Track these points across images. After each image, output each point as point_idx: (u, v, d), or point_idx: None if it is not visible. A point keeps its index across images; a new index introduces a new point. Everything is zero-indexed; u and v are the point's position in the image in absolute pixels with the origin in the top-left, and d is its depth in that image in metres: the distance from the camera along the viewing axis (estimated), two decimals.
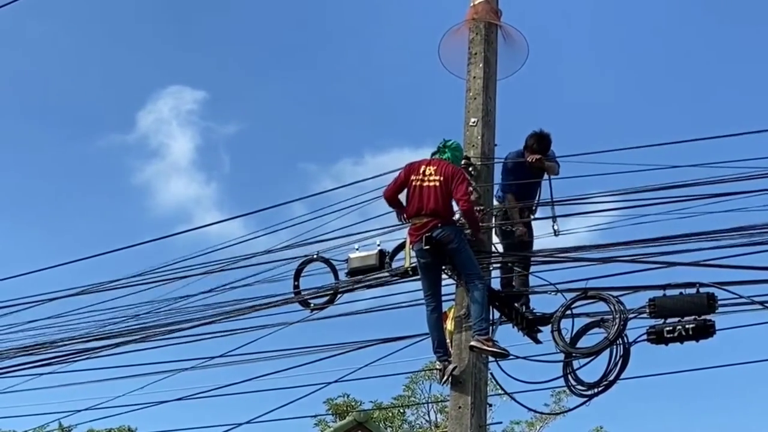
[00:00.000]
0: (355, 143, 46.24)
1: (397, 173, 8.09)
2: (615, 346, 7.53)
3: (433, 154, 8.08)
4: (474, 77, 8.52)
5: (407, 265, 8.03)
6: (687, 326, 7.15)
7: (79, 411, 10.23)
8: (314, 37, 45.54)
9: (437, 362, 7.82)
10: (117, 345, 9.37)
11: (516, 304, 8.22)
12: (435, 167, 7.90)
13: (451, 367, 7.70)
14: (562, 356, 7.79)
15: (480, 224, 7.96)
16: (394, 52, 43.31)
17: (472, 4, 8.74)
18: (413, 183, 7.92)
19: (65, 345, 9.58)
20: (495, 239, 8.41)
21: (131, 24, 46.11)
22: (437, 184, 7.79)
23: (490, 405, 8.04)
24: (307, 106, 45.67)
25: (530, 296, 8.33)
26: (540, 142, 8.61)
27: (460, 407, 7.69)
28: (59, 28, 44.28)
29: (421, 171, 7.93)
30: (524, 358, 7.92)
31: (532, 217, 8.62)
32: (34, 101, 45.22)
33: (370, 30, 43.81)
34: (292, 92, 46.22)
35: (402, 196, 8.07)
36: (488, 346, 7.60)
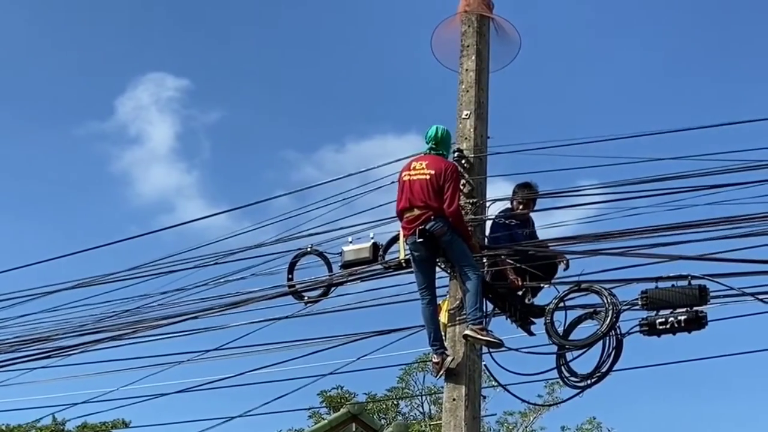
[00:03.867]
0: (337, 130, 45.96)
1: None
2: (608, 338, 7.56)
3: (426, 151, 8.06)
4: (466, 70, 8.53)
5: (401, 257, 8.05)
6: (679, 317, 7.19)
7: (74, 405, 10.26)
8: (298, 23, 45.33)
9: (434, 355, 7.82)
10: (111, 339, 9.38)
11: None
12: (427, 162, 7.89)
13: (448, 360, 7.72)
14: (555, 348, 7.83)
15: (469, 229, 7.88)
16: (377, 38, 43.21)
17: None
18: (404, 179, 7.92)
19: (59, 339, 9.58)
20: (487, 231, 8.43)
21: (112, 9, 45.66)
22: (428, 177, 7.77)
23: (484, 397, 8.07)
24: (289, 93, 45.45)
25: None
26: (528, 191, 8.56)
27: (454, 399, 7.71)
28: (35, 12, 43.86)
29: (412, 167, 7.94)
30: (518, 349, 7.96)
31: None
32: (8, 89, 44.77)
33: (354, 17, 43.69)
34: (274, 79, 45.95)
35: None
36: (482, 335, 7.62)
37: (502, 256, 8.20)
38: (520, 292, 8.26)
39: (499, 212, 8.51)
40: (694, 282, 7.21)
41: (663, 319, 7.21)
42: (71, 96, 46.20)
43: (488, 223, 8.39)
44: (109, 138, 46.17)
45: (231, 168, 45.51)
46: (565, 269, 8.19)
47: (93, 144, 44.84)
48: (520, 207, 8.56)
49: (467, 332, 7.64)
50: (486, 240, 8.32)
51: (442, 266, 8.04)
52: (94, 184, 43.67)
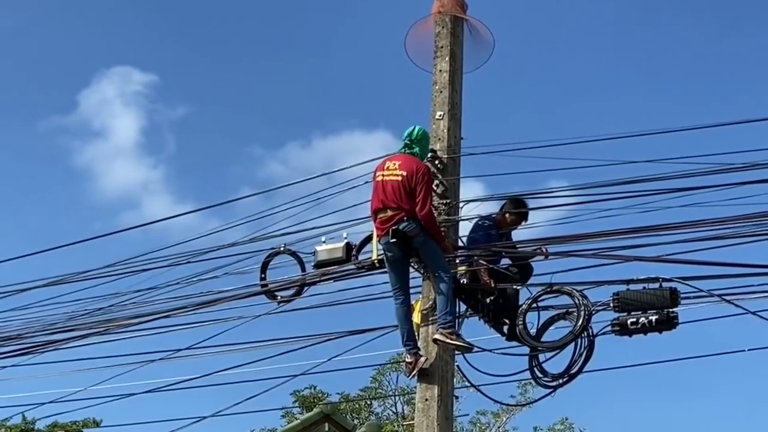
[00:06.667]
0: (303, 126, 45.68)
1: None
2: (580, 339, 7.60)
3: (401, 150, 8.08)
4: (440, 71, 8.55)
5: (374, 257, 8.05)
6: (650, 318, 7.23)
7: (44, 404, 10.19)
8: (266, 19, 45.09)
9: (407, 355, 7.81)
10: (81, 337, 9.33)
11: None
12: (400, 162, 7.89)
13: (422, 360, 7.72)
14: (528, 348, 7.86)
15: (441, 231, 7.87)
16: (347, 34, 43.07)
17: None
18: (378, 179, 7.92)
19: (28, 337, 9.52)
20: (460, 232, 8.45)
21: (79, 1, 45.01)
22: (400, 178, 7.76)
23: (457, 397, 8.09)
24: (255, 88, 45.14)
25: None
26: (518, 208, 8.57)
27: (427, 399, 7.73)
28: None
29: (385, 167, 7.94)
30: (490, 350, 7.99)
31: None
32: None
33: (325, 13, 43.52)
34: (241, 75, 45.61)
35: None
36: (452, 339, 7.63)
37: (476, 257, 8.22)
38: (493, 295, 8.28)
39: (489, 214, 8.52)
40: (665, 284, 7.26)
41: (634, 319, 7.26)
42: (34, 89, 45.56)
43: (465, 224, 8.40)
44: (71, 131, 45.61)
45: (196, 163, 45.20)
46: (544, 259, 8.17)
47: (55, 138, 44.22)
48: (510, 219, 8.55)
49: (437, 336, 7.65)
50: (461, 240, 8.34)
51: (416, 267, 8.06)
52: (55, 178, 43.05)
